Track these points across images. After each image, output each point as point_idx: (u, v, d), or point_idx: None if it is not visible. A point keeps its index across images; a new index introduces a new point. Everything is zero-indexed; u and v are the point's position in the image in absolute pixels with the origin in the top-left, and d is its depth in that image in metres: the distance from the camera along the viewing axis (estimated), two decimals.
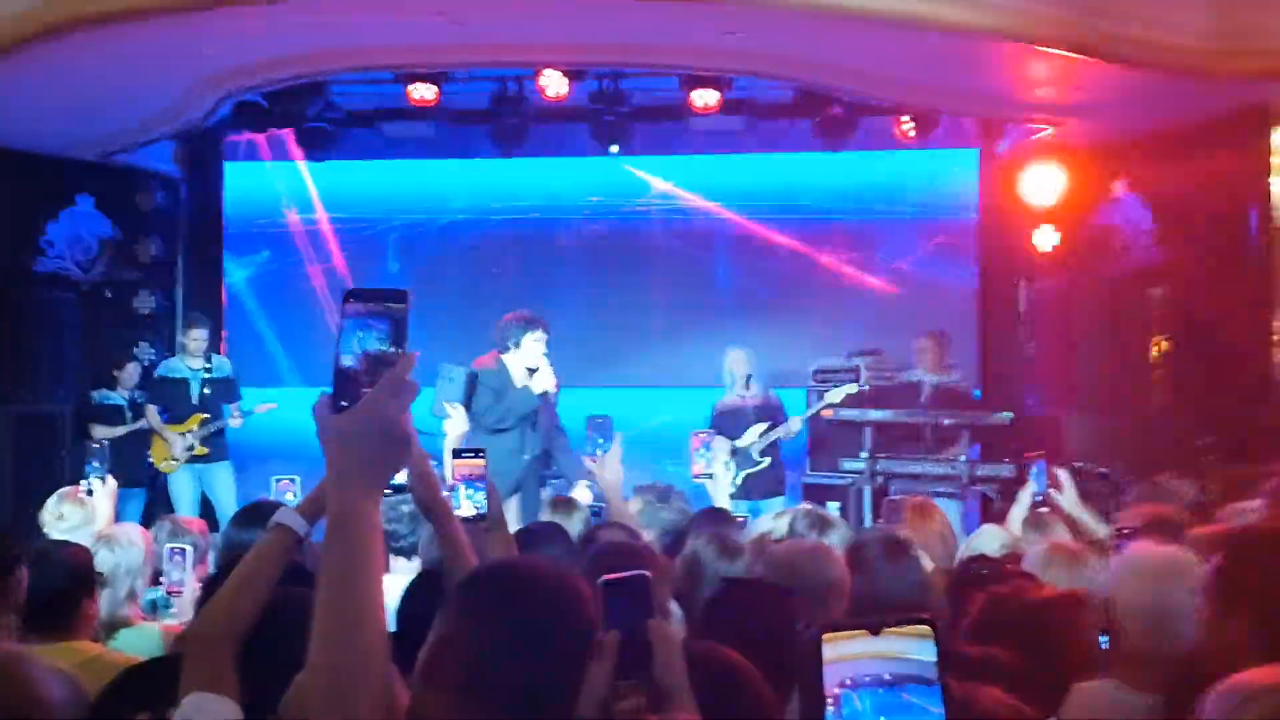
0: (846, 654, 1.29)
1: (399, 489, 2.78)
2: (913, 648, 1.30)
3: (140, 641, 3.71)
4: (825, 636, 1.29)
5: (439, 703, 1.62)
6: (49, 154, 9.07)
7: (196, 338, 8.82)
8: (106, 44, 6.92)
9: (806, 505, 4.75)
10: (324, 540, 1.49)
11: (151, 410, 8.82)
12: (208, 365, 8.83)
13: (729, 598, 2.80)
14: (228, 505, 8.36)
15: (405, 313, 1.49)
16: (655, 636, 1.79)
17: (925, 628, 1.31)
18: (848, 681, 1.27)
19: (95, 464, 5.04)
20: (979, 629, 2.77)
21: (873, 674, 1.28)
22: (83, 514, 4.70)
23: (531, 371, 6.93)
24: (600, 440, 4.25)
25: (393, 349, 1.48)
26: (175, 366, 8.91)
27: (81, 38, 6.71)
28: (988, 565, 3.60)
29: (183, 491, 8.58)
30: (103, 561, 3.71)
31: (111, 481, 4.95)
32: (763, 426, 8.24)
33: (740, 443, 8.24)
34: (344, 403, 1.47)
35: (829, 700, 1.26)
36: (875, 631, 1.30)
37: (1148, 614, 2.63)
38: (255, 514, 3.75)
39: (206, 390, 8.79)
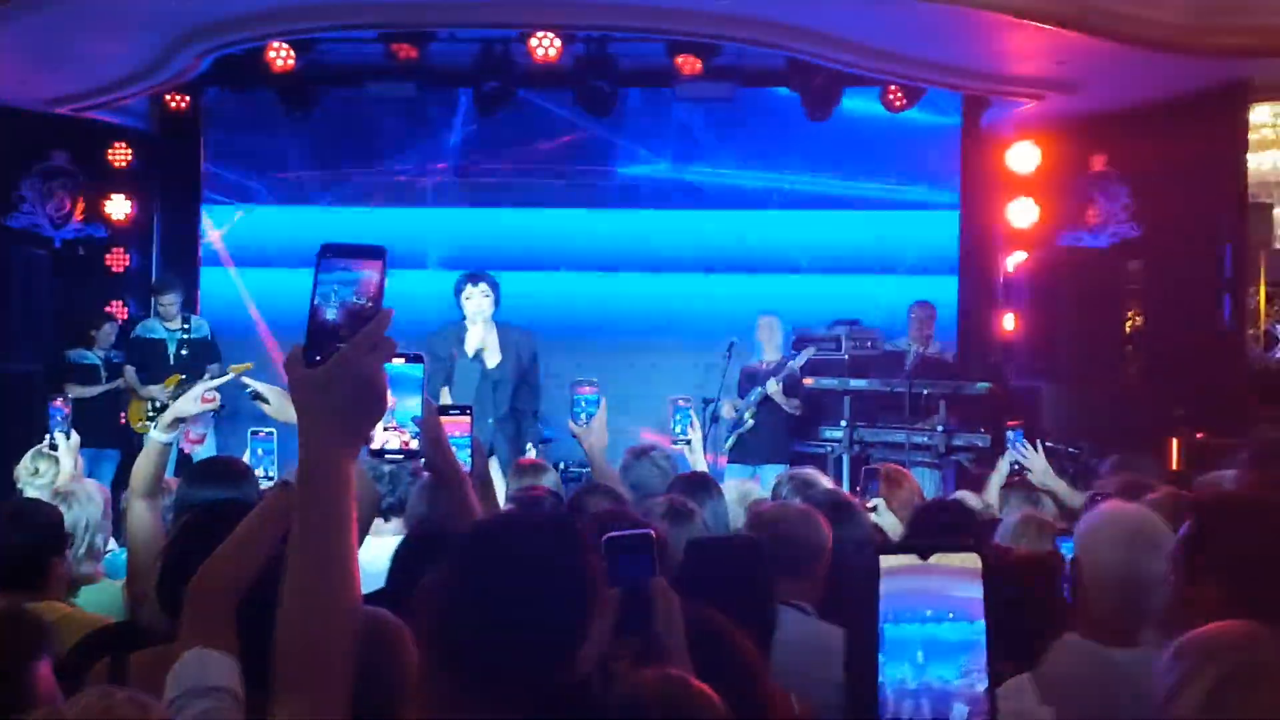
0: (896, 585, 1.26)
1: (412, 454, 2.74)
2: (959, 583, 1.27)
3: (101, 599, 3.66)
4: (882, 559, 1.27)
5: (445, 664, 1.61)
6: (23, 108, 8.94)
7: (168, 302, 8.77)
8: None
9: (793, 470, 4.77)
10: (296, 496, 1.47)
11: (129, 371, 8.77)
12: (185, 326, 8.77)
13: (696, 560, 2.79)
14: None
15: (382, 269, 1.46)
16: (658, 594, 1.80)
17: (973, 556, 1.28)
18: (892, 616, 1.25)
19: (59, 419, 4.99)
20: None
21: (919, 607, 1.25)
22: (55, 472, 4.65)
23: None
24: (584, 403, 4.24)
25: (369, 305, 1.45)
26: (152, 327, 8.84)
27: None
28: (948, 515, 3.67)
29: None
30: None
31: (75, 437, 4.87)
32: (759, 391, 8.29)
33: (739, 403, 8.33)
34: (318, 357, 1.44)
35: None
36: (924, 556, 1.28)
37: (1117, 577, 2.61)
38: (209, 471, 3.72)
39: (184, 351, 8.73)
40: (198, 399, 4.02)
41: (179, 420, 3.90)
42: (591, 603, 1.63)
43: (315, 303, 1.45)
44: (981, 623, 1.25)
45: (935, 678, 1.24)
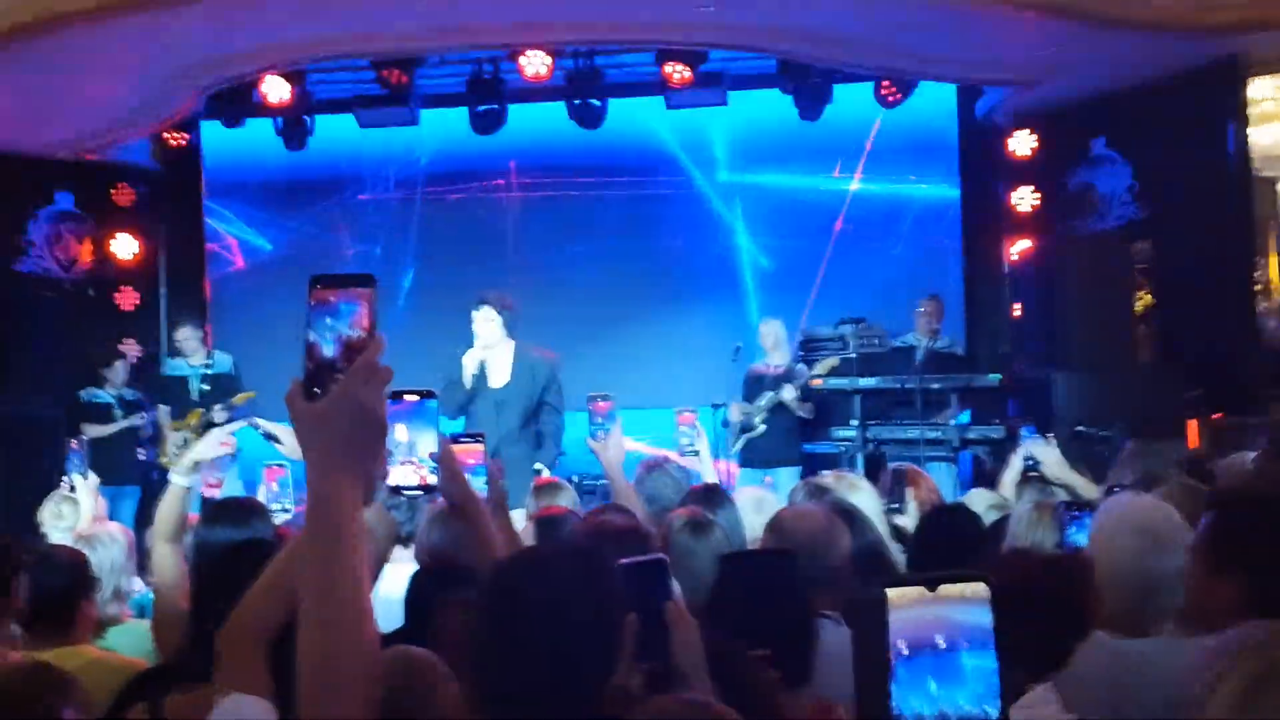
0: (904, 616, 1.26)
1: (429, 489, 2.76)
2: (969, 610, 1.27)
3: (130, 640, 3.68)
4: (889, 592, 1.28)
5: (484, 702, 1.65)
6: (26, 153, 9.00)
7: (185, 337, 8.88)
8: (78, 42, 6.88)
9: (809, 479, 4.76)
10: (304, 528, 1.48)
11: (163, 410, 8.89)
12: (208, 362, 8.89)
13: (731, 576, 2.79)
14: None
15: (373, 297, 1.47)
16: (673, 619, 1.81)
17: (982, 585, 1.29)
18: (903, 647, 1.25)
19: (75, 460, 5.02)
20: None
21: (929, 637, 1.26)
22: (77, 516, 4.69)
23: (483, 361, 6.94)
24: (601, 419, 4.24)
25: (362, 334, 1.46)
26: (176, 364, 8.98)
27: (53, 36, 6.66)
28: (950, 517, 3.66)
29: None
30: None
31: (93, 477, 4.92)
32: (770, 394, 8.31)
33: (747, 407, 8.34)
34: (316, 390, 1.45)
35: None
36: (932, 588, 1.28)
37: (1132, 573, 2.61)
38: (222, 512, 3.69)
39: (206, 386, 8.82)
40: (217, 443, 4.06)
41: (198, 463, 3.93)
42: (618, 632, 1.67)
43: (309, 336, 1.46)
44: (993, 650, 1.26)
45: (950, 706, 1.25)
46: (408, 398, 2.43)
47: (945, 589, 1.28)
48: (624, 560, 1.89)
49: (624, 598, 1.69)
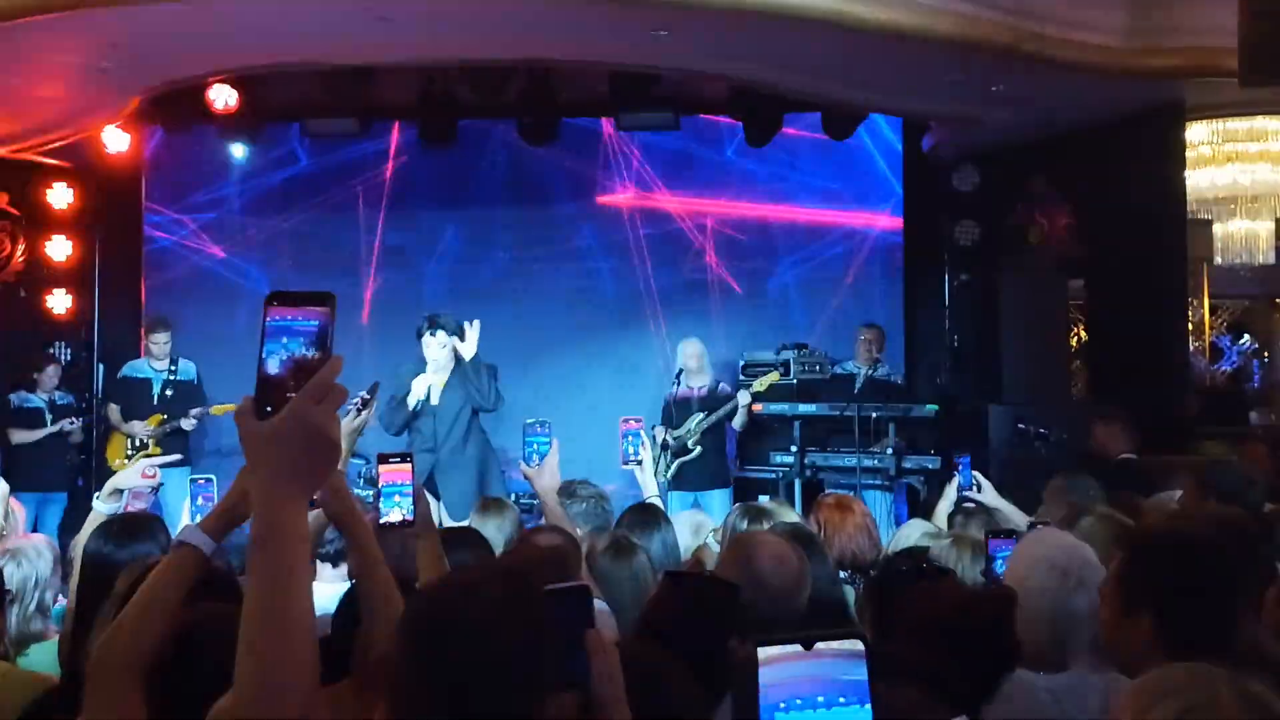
0: (780, 673, 1.27)
1: (408, 523, 2.81)
2: (845, 666, 1.28)
3: (51, 657, 3.56)
4: (760, 651, 1.28)
5: None
6: None
7: (158, 340, 8.84)
8: (16, 38, 6.75)
9: (746, 503, 4.77)
10: (249, 550, 1.44)
11: (113, 408, 8.83)
12: (172, 368, 8.83)
13: (669, 594, 2.77)
14: (176, 511, 8.23)
15: (330, 316, 1.44)
16: (593, 646, 1.81)
17: (857, 643, 1.30)
18: (780, 704, 1.26)
19: None
20: (906, 627, 2.77)
21: (805, 694, 1.26)
22: None
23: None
24: (536, 445, 4.23)
25: (318, 353, 1.43)
26: (139, 367, 8.91)
27: None
28: (909, 562, 3.65)
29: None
30: (9, 576, 3.56)
31: (3, 485, 4.81)
32: (700, 416, 8.31)
33: (675, 431, 8.32)
34: (269, 409, 1.41)
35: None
36: (808, 646, 1.29)
37: (1046, 609, 2.64)
38: (111, 527, 3.57)
39: (169, 391, 8.77)
40: (139, 472, 4.00)
41: (118, 491, 3.87)
42: (546, 660, 1.64)
43: (263, 353, 1.43)
44: (869, 706, 1.27)
45: None
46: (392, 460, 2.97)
47: (821, 646, 1.28)
48: (548, 587, 1.89)
49: (552, 624, 1.67)
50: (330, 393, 1.42)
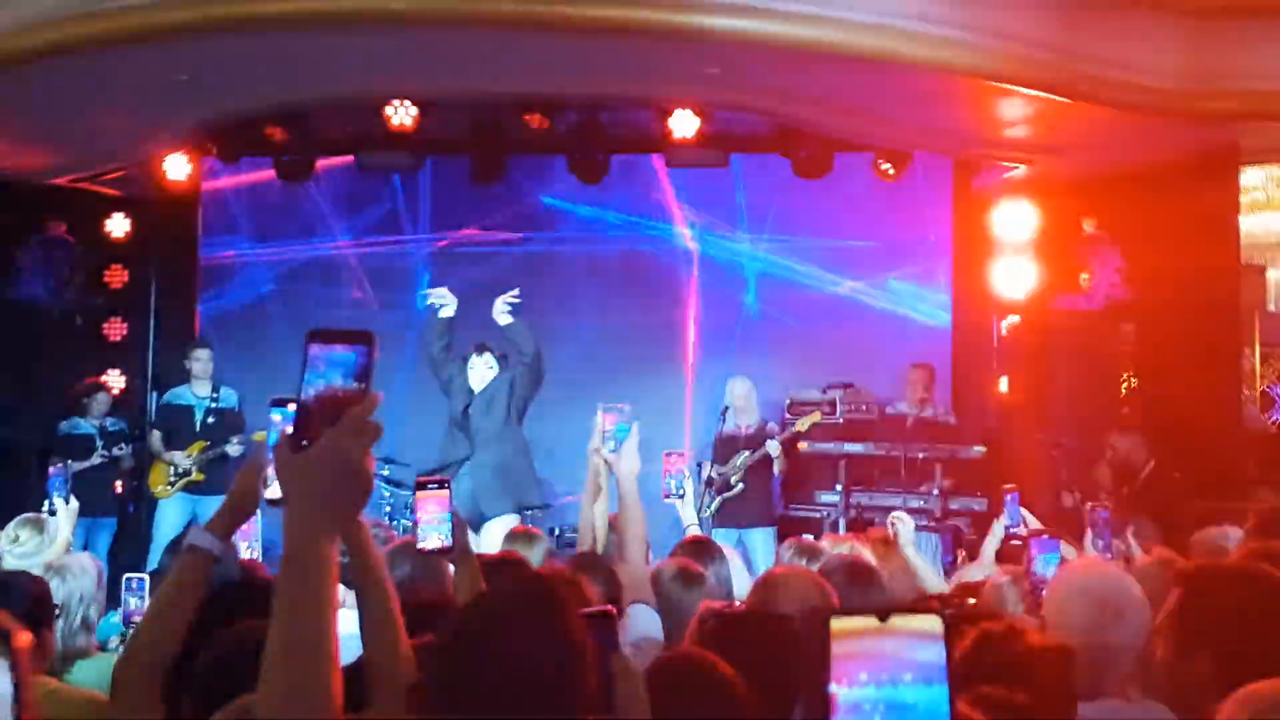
0: (853, 647, 1.22)
1: (446, 551, 2.84)
2: (919, 644, 1.23)
3: (97, 675, 3.55)
4: (834, 621, 1.23)
5: None
6: (20, 179, 9.01)
7: (200, 358, 8.84)
8: (81, 70, 6.91)
9: (794, 539, 4.72)
10: (278, 578, 1.47)
11: (154, 435, 8.86)
12: (214, 394, 8.85)
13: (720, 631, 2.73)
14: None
15: (370, 353, 1.48)
16: (618, 671, 1.80)
17: (934, 619, 1.24)
18: (847, 680, 1.21)
19: (58, 483, 4.98)
20: (968, 664, 2.64)
21: (877, 670, 1.21)
22: (38, 540, 4.60)
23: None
24: (616, 430, 4.12)
25: (355, 388, 1.46)
26: (181, 394, 8.91)
27: (56, 64, 6.70)
28: (958, 602, 3.60)
29: (169, 519, 8.48)
30: (54, 592, 3.60)
31: (74, 502, 4.88)
32: (745, 454, 8.27)
33: (721, 468, 8.29)
34: (305, 442, 1.45)
35: (833, 693, 1.20)
36: (883, 619, 1.24)
37: (1083, 640, 2.57)
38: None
39: (210, 419, 8.79)
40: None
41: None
42: (579, 682, 1.63)
43: (302, 386, 1.47)
44: (943, 685, 1.21)
45: None
46: (430, 487, 3.02)
47: (896, 621, 1.22)
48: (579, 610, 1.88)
49: (584, 648, 1.66)
50: (366, 428, 1.46)
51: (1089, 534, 4.54)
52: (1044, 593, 2.98)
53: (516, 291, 7.23)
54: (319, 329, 1.49)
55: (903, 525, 4.74)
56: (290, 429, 1.47)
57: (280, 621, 1.44)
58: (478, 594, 2.83)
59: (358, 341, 1.48)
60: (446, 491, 3.00)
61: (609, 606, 1.96)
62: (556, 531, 8.41)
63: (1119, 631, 2.58)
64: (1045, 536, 3.39)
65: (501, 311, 7.20)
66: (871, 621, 1.22)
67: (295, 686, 1.42)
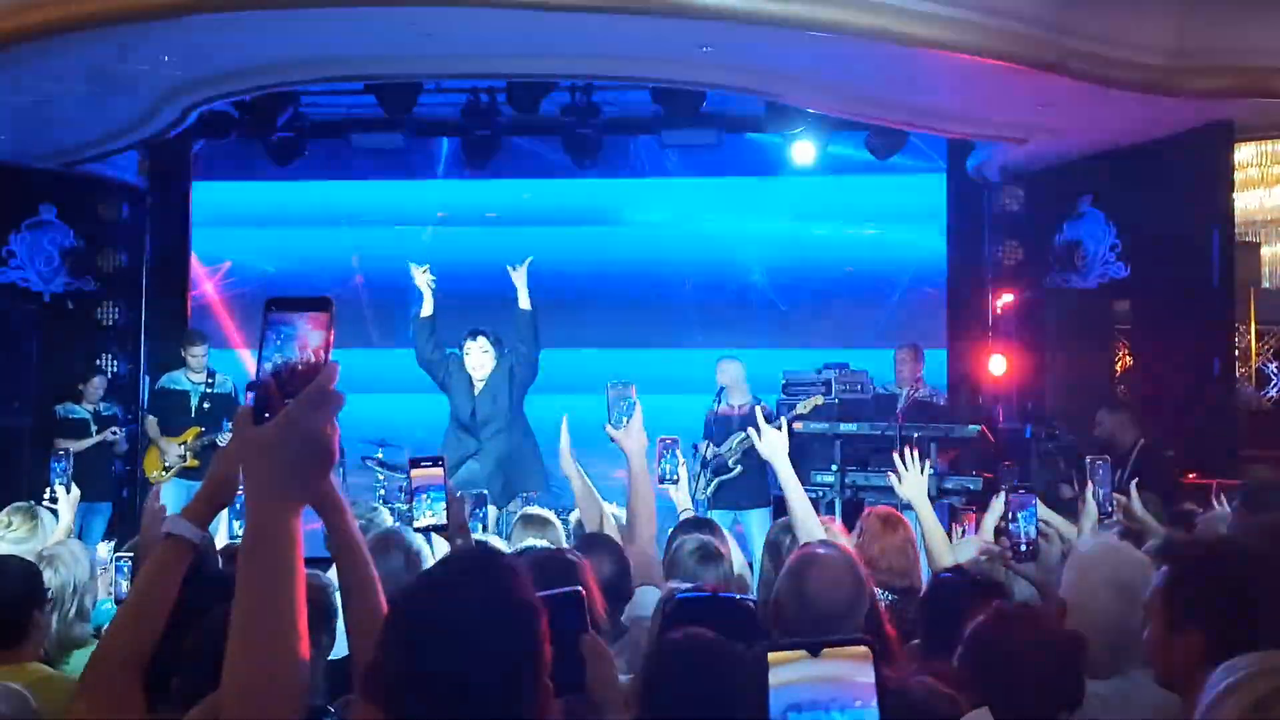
0: (787, 676, 1.31)
1: (439, 528, 2.86)
2: (852, 670, 1.32)
3: None
4: (770, 655, 1.31)
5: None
6: (11, 163, 8.98)
7: (196, 354, 8.82)
8: (71, 53, 6.87)
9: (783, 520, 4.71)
10: (240, 555, 1.43)
11: (150, 420, 8.85)
12: (210, 380, 8.83)
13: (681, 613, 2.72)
14: (214, 522, 8.29)
15: (330, 321, 1.42)
16: (588, 651, 1.80)
17: (864, 649, 1.34)
18: (789, 709, 1.29)
19: (59, 469, 4.97)
20: (972, 654, 2.53)
21: (812, 699, 1.30)
22: (29, 527, 4.57)
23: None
24: (623, 405, 4.07)
25: (316, 359, 1.41)
26: (176, 379, 8.88)
27: (45, 46, 6.66)
28: (959, 577, 3.59)
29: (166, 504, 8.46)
30: (48, 581, 3.55)
31: (75, 490, 4.88)
32: (741, 435, 8.27)
33: (716, 449, 8.29)
34: (266, 414, 1.40)
35: None
36: (815, 653, 1.32)
37: (1106, 626, 2.60)
38: None
39: (206, 405, 8.77)
40: None
41: None
42: (531, 661, 1.56)
43: (261, 359, 1.42)
44: (874, 711, 1.31)
45: None
46: (424, 464, 3.00)
47: (829, 652, 1.33)
48: (541, 593, 1.86)
49: (536, 623, 1.59)
50: (327, 399, 1.41)
51: (1089, 485, 4.49)
52: (1064, 574, 2.95)
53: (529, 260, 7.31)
54: (276, 297, 1.43)
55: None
56: (250, 403, 1.43)
57: (242, 598, 1.40)
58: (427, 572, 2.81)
59: (317, 309, 1.43)
60: (441, 469, 3.00)
61: (578, 588, 1.95)
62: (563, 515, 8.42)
63: (1139, 613, 2.55)
64: (1021, 492, 3.37)
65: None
66: (804, 655, 1.33)
67: (258, 667, 1.39)
